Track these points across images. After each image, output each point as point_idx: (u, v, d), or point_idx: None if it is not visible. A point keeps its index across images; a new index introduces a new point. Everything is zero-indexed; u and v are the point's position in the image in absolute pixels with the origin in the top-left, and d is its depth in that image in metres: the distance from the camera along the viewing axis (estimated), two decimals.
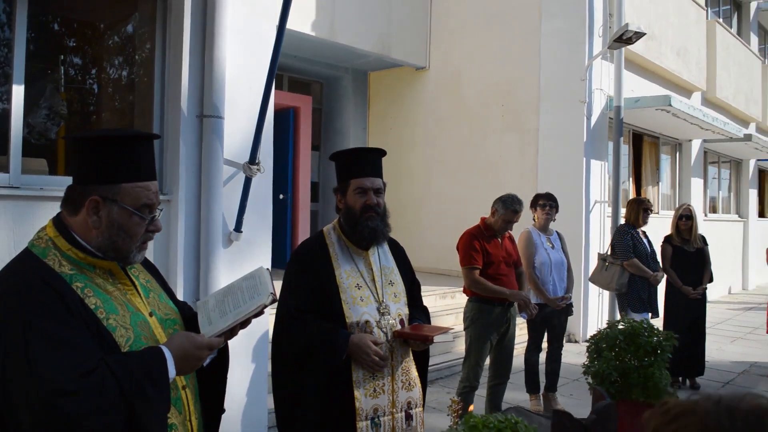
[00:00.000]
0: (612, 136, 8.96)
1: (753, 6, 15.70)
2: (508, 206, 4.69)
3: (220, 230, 4.36)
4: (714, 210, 14.49)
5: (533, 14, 8.98)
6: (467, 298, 4.82)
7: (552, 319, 5.48)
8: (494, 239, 4.77)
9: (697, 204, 12.49)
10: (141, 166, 1.73)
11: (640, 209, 6.42)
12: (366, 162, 2.67)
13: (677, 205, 8.45)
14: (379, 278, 2.68)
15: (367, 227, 2.61)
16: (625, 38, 7.53)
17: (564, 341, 5.79)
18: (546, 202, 5.50)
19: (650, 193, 11.17)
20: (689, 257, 6.56)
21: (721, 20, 12.89)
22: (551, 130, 8.83)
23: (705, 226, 11.27)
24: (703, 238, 6.77)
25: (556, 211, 5.60)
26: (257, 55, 4.43)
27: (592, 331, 8.39)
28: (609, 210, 9.09)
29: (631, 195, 10.22)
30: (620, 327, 2.47)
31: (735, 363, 7.63)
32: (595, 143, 8.86)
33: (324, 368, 2.53)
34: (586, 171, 8.69)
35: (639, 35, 7.46)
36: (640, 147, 10.87)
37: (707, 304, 6.80)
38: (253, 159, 4.36)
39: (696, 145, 12.49)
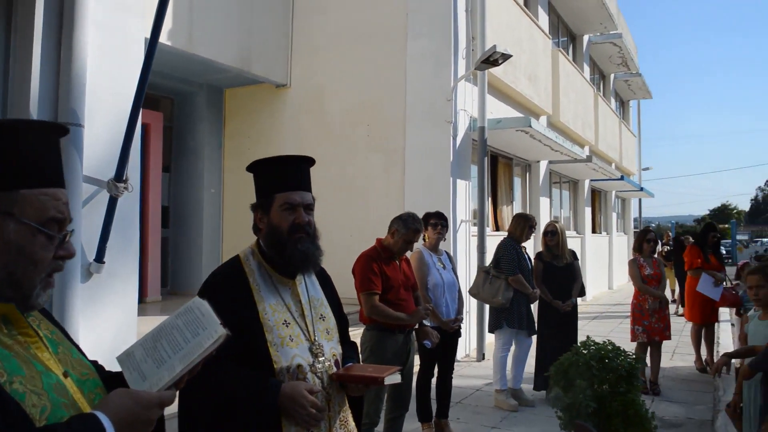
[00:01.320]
0: (476, 156, 9.07)
1: (585, 39, 16.96)
2: (409, 226, 4.41)
3: (78, 261, 3.69)
4: None
5: (399, 33, 8.92)
6: (364, 326, 4.46)
7: (444, 343, 5.26)
8: (392, 262, 4.47)
9: (545, 221, 13.07)
10: (46, 167, 1.23)
11: (526, 225, 6.49)
12: (294, 172, 2.25)
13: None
14: (309, 312, 2.26)
15: (297, 251, 2.18)
16: (492, 59, 7.63)
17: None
18: (437, 221, 5.30)
19: (505, 212, 11.51)
20: (559, 272, 6.70)
21: (561, 50, 13.70)
22: (418, 150, 8.77)
23: None
24: (573, 253, 6.95)
25: (446, 231, 5.43)
26: (124, 54, 3.82)
27: (462, 351, 8.37)
28: (474, 229, 9.18)
29: (489, 214, 10.44)
30: (585, 351, 2.24)
31: None
32: (460, 163, 8.93)
33: (249, 427, 2.06)
34: (453, 191, 8.71)
35: (506, 57, 7.61)
36: (496, 167, 11.17)
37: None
38: (120, 176, 3.75)
39: (543, 166, 13.11)
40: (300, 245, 2.19)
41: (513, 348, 6.51)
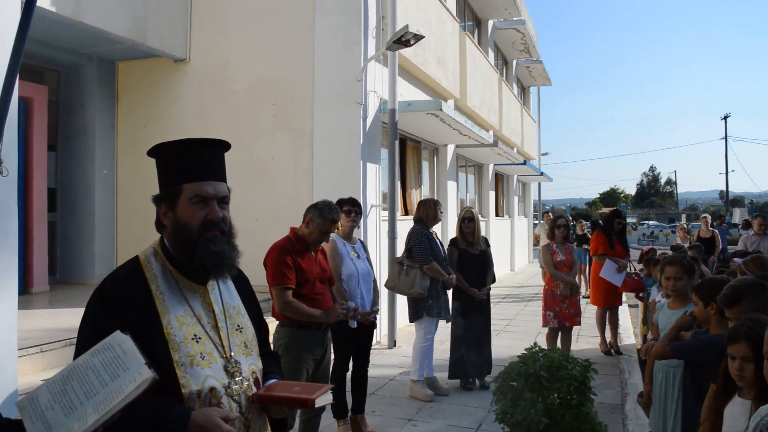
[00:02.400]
0: (387, 140, 8.84)
1: (490, 24, 17.06)
2: (325, 215, 4.08)
3: None
4: None
5: (307, 8, 8.51)
6: (277, 322, 4.12)
7: (359, 335, 5.01)
8: (307, 253, 4.14)
9: (452, 206, 13.11)
10: None
11: (437, 208, 6.33)
12: (206, 159, 1.90)
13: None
14: (224, 324, 1.92)
15: (209, 252, 1.83)
16: (403, 40, 7.38)
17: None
18: (351, 208, 5.01)
19: (414, 196, 11.38)
20: (474, 259, 6.59)
21: (467, 33, 13.66)
22: (327, 132, 8.44)
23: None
24: (486, 240, 6.86)
25: (360, 218, 5.15)
26: None
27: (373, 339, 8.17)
28: (384, 214, 8.97)
29: (398, 198, 10.27)
30: (533, 360, 2.02)
31: (509, 357, 7.85)
32: (370, 146, 8.67)
33: None
34: (363, 174, 8.45)
35: (418, 38, 7.38)
36: (405, 151, 11.00)
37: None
38: None
39: (450, 150, 13.08)
40: (213, 245, 1.84)
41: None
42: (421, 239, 6.17)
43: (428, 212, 6.27)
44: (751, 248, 9.11)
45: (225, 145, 1.96)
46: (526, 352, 2.17)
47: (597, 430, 1.94)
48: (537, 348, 2.15)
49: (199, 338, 1.83)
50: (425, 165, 12.21)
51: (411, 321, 6.35)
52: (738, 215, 36.76)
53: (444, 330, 6.84)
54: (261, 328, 2.13)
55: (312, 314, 3.98)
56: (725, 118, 49.91)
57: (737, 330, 2.62)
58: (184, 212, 1.85)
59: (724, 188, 52.45)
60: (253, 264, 4.02)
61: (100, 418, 1.15)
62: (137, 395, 1.26)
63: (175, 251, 1.88)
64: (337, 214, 4.18)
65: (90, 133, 9.33)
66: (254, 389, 1.92)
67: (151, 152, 1.92)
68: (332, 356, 4.42)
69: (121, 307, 1.77)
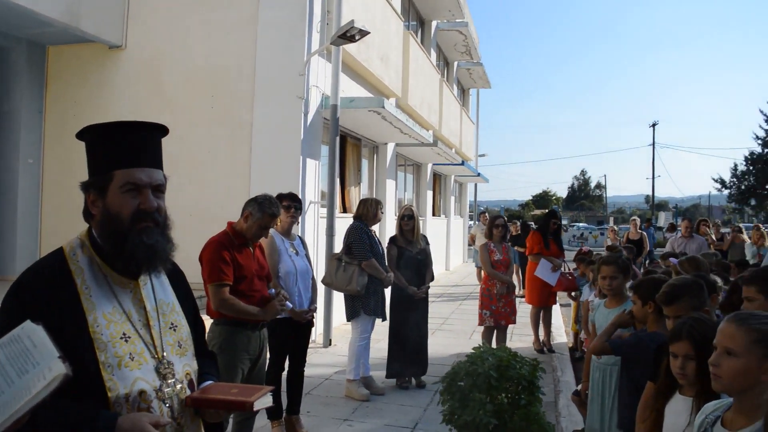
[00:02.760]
0: (328, 136, 8.73)
1: (433, 25, 17.13)
2: (264, 209, 3.96)
3: None
4: None
5: (251, 0, 8.30)
6: (212, 320, 3.97)
7: (296, 333, 4.90)
8: (245, 249, 4.01)
9: (390, 205, 13.10)
10: None
11: (378, 207, 6.28)
12: (141, 143, 1.77)
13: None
14: (156, 322, 1.81)
15: (141, 244, 1.72)
16: (349, 35, 7.29)
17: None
18: (290, 204, 4.90)
19: (353, 193, 11.31)
20: (413, 257, 6.57)
21: (411, 33, 13.67)
22: (266, 126, 8.27)
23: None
24: (425, 238, 6.85)
25: (300, 213, 5.04)
26: None
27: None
28: (323, 211, 8.86)
29: (337, 195, 10.17)
30: (482, 358, 1.98)
31: (444, 356, 7.92)
32: (311, 142, 8.55)
33: None
34: (302, 170, 8.32)
35: (363, 33, 7.31)
36: (344, 148, 10.90)
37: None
38: None
39: (390, 149, 13.06)
40: (146, 237, 1.73)
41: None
42: (360, 236, 6.11)
43: (369, 210, 6.21)
44: (678, 250, 9.43)
45: (162, 130, 1.84)
46: (474, 350, 2.12)
47: (546, 429, 1.92)
48: (485, 347, 2.10)
49: (129, 337, 1.72)
50: (365, 163, 12.15)
51: (348, 319, 6.27)
52: (663, 219, 38.16)
53: (380, 328, 6.80)
54: (197, 327, 2.02)
55: (249, 312, 3.86)
56: (653, 125, 51.77)
57: (679, 329, 2.65)
58: (115, 201, 1.73)
59: (651, 193, 54.44)
60: (184, 260, 3.85)
61: (5, 422, 1.02)
62: (49, 394, 1.14)
63: (103, 243, 1.76)
64: (278, 209, 4.07)
65: (15, 120, 8.85)
66: (188, 392, 1.81)
67: (81, 135, 1.79)
68: (268, 355, 4.30)
69: (40, 302, 1.64)
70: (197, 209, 8.14)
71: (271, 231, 4.78)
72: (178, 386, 1.78)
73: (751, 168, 39.27)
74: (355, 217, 6.35)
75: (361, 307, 6.08)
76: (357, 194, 11.45)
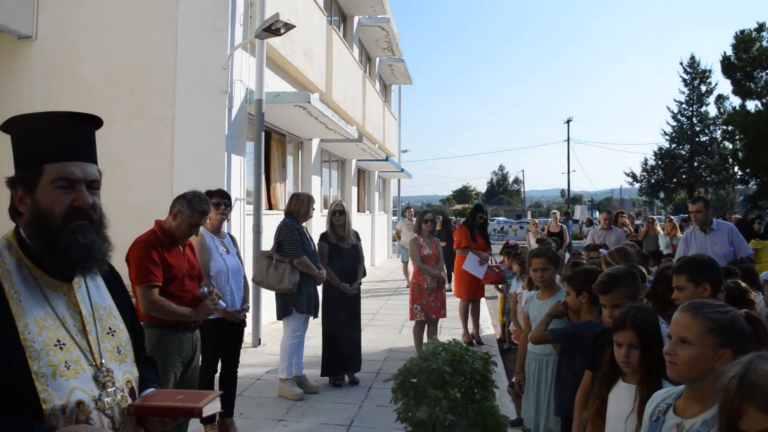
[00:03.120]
0: (253, 131, 8.55)
1: (355, 20, 17.08)
2: (194, 206, 3.80)
3: None
4: (326, 206, 15.31)
5: None
6: (142, 323, 3.78)
7: (228, 334, 4.76)
8: (175, 248, 3.84)
9: (317, 201, 12.97)
10: None
11: (310, 203, 6.17)
12: (74, 136, 1.65)
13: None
14: (93, 326, 1.68)
15: (75, 244, 1.60)
16: (274, 28, 7.14)
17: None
18: (220, 200, 4.75)
19: (279, 190, 11.14)
20: (345, 254, 6.52)
21: (334, 28, 13.57)
22: (189, 121, 8.01)
23: (321, 222, 11.77)
24: (357, 234, 6.81)
25: (230, 210, 4.90)
26: None
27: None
28: (249, 208, 8.68)
29: (263, 192, 9.99)
30: (435, 354, 1.95)
31: (375, 351, 7.91)
32: (235, 138, 8.35)
33: None
34: (228, 167, 8.12)
35: (289, 27, 7.18)
36: (269, 144, 10.72)
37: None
38: None
39: (315, 144, 12.94)
40: (80, 236, 1.61)
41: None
42: (291, 233, 6.00)
43: (301, 207, 6.10)
44: (598, 241, 9.73)
45: (96, 122, 1.72)
46: (425, 346, 2.09)
47: (501, 423, 1.92)
48: (436, 342, 2.08)
49: (64, 344, 1.59)
50: (290, 159, 11.99)
51: (279, 318, 6.15)
52: (579, 212, 39.52)
53: (312, 326, 6.71)
54: (135, 331, 1.91)
55: (181, 313, 3.71)
56: (568, 122, 53.56)
57: (623, 318, 2.71)
58: (46, 197, 1.59)
59: (566, 187, 56.34)
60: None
61: None
62: None
63: (33, 243, 1.62)
64: (208, 206, 3.92)
65: None
66: (129, 401, 1.70)
67: (6, 127, 1.64)
68: (200, 360, 4.14)
69: None
70: (117, 209, 7.73)
71: (201, 229, 4.61)
72: (119, 395, 1.67)
73: (659, 163, 41.25)
74: (286, 214, 6.23)
75: (293, 305, 5.97)
76: (283, 191, 11.28)
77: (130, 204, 7.81)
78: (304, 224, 6.26)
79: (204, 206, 3.84)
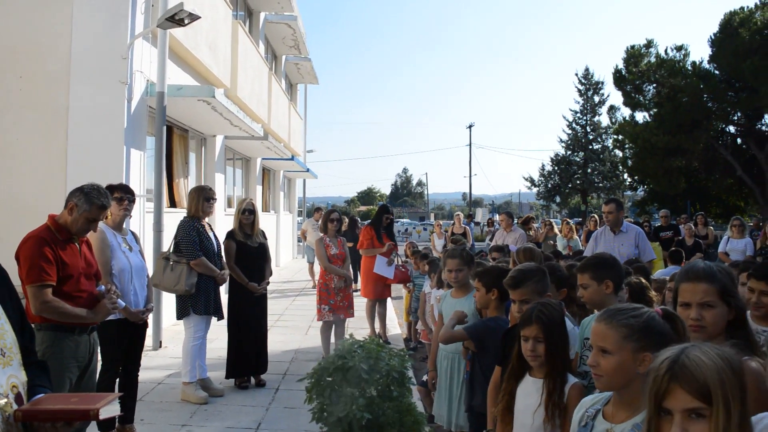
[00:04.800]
0: (154, 125, 8.20)
1: (262, 16, 16.77)
2: (92, 200, 3.55)
3: None
4: (230, 205, 14.93)
5: None
6: (33, 325, 3.51)
7: (130, 336, 4.51)
8: (70, 245, 3.58)
9: (219, 199, 12.64)
10: None
11: (201, 198, 5.91)
12: None
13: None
14: None
15: None
16: (177, 18, 6.87)
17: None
18: (123, 195, 4.51)
19: (181, 187, 10.75)
20: (253, 252, 6.36)
21: (240, 22, 13.26)
22: (85, 112, 7.56)
23: (226, 221, 11.48)
24: (264, 233, 6.66)
25: (133, 206, 4.65)
26: None
27: None
28: (150, 205, 8.32)
29: (165, 189, 9.61)
30: (352, 351, 1.89)
31: (282, 353, 7.77)
32: (135, 131, 7.97)
33: None
34: (127, 162, 7.74)
35: (193, 17, 6.91)
36: (171, 139, 10.33)
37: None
38: None
39: (219, 141, 12.59)
40: None
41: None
42: (189, 232, 5.77)
43: (193, 203, 5.87)
44: (501, 242, 10.00)
45: None
46: (341, 344, 2.03)
47: (419, 421, 1.89)
48: (352, 340, 2.02)
49: None
50: (193, 156, 11.60)
51: (178, 318, 5.90)
52: (480, 215, 40.67)
53: (216, 327, 6.51)
54: (24, 333, 1.75)
55: (77, 314, 3.46)
56: (470, 127, 54.98)
57: (529, 314, 2.77)
58: None
59: (468, 190, 57.79)
60: None
61: None
62: None
63: None
64: (107, 200, 3.67)
65: None
66: (15, 407, 1.55)
67: None
68: (98, 364, 3.90)
69: None
70: (4, 204, 7.29)
71: (102, 225, 4.35)
72: (2, 401, 1.51)
73: (556, 168, 43.02)
74: (187, 213, 5.99)
75: (191, 307, 5.74)
76: (185, 188, 10.89)
77: (20, 198, 7.33)
78: (207, 223, 6.04)
79: (103, 200, 3.61)
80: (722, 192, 31.84)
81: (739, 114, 27.02)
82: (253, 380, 6.37)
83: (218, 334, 6.98)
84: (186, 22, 7.05)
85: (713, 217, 30.80)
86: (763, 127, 27.41)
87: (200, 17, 7.17)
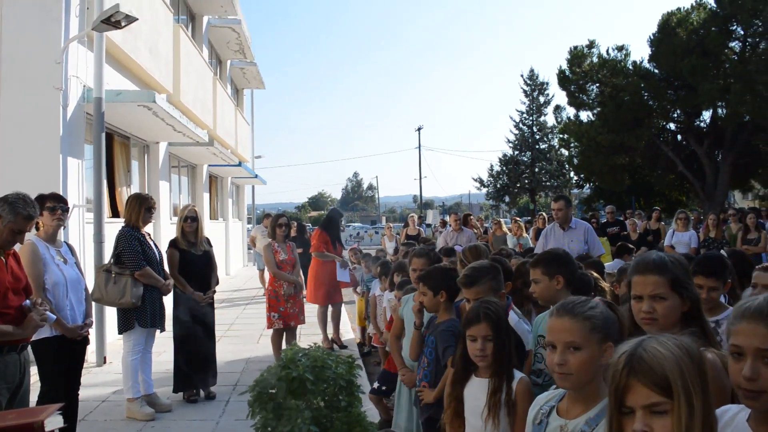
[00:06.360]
0: (92, 132, 7.89)
1: (205, 20, 16.44)
2: (18, 210, 3.33)
3: None
4: (176, 213, 14.57)
5: None
6: None
7: (70, 353, 4.28)
8: None
9: (165, 208, 12.34)
10: None
11: (141, 207, 5.69)
12: None
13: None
14: None
15: None
16: (114, 20, 6.62)
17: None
18: (55, 204, 4.27)
19: (123, 196, 10.41)
20: (197, 261, 6.16)
21: (182, 26, 12.97)
22: (16, 119, 7.27)
23: (171, 230, 11.19)
24: (208, 240, 6.46)
25: (68, 216, 4.42)
26: None
27: None
28: (90, 216, 8.02)
29: (105, 198, 9.28)
30: (298, 359, 1.78)
31: (231, 362, 7.58)
32: (72, 139, 7.67)
33: None
34: (63, 170, 7.44)
35: (131, 19, 6.67)
36: (112, 147, 9.99)
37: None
38: None
39: (163, 148, 12.27)
40: None
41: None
42: (130, 242, 5.53)
43: (132, 212, 5.63)
44: (450, 243, 9.99)
45: None
46: (284, 353, 1.91)
47: (368, 430, 1.79)
48: (296, 348, 1.91)
49: None
50: (135, 164, 11.27)
51: (120, 332, 5.65)
52: (431, 216, 40.80)
53: (162, 340, 6.29)
54: None
55: (5, 331, 3.24)
56: (419, 129, 55.33)
57: (476, 312, 2.71)
58: None
59: (418, 193, 58.09)
60: None
61: None
62: None
63: None
64: (35, 210, 3.45)
65: None
66: None
67: None
68: (30, 385, 3.66)
69: None
70: None
71: (32, 237, 4.12)
72: None
73: (504, 168, 43.53)
74: (125, 222, 5.75)
75: (135, 319, 5.50)
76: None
77: None
78: (146, 232, 5.82)
79: (30, 210, 3.38)
80: (665, 187, 32.67)
81: (678, 111, 27.77)
82: (202, 393, 6.16)
83: (165, 346, 6.74)
84: (123, 24, 6.80)
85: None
86: (702, 124, 28.26)
87: (137, 19, 6.93)
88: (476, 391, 2.72)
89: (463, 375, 2.81)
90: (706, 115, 27.75)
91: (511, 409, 2.57)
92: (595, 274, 3.70)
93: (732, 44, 25.20)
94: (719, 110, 26.18)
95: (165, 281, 5.70)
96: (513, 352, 2.75)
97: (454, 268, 3.86)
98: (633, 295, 2.24)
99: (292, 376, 1.73)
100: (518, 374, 2.71)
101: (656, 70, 27.32)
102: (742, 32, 24.84)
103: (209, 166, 17.06)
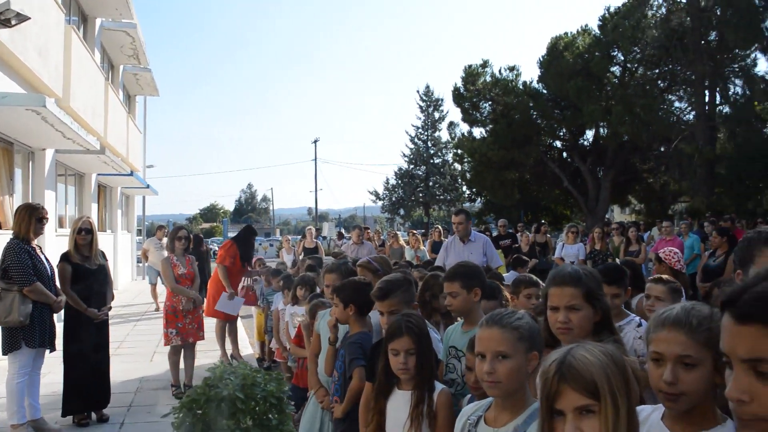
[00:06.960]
0: None
1: (98, 23, 15.73)
2: None
3: None
4: (62, 225, 13.80)
5: None
6: None
7: None
8: None
9: (50, 219, 11.65)
10: None
11: (32, 218, 5.37)
12: None
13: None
14: None
15: None
16: (3, 18, 6.23)
17: None
18: None
19: (6, 206, 9.77)
20: (91, 275, 5.86)
21: (74, 28, 12.35)
22: None
23: (57, 242, 10.61)
24: (104, 254, 6.18)
25: None
26: None
27: None
28: None
29: None
30: (226, 377, 1.74)
31: (125, 382, 7.25)
32: None
33: None
34: None
35: (22, 18, 6.32)
36: None
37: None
38: None
39: (49, 156, 11.61)
40: None
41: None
42: (19, 256, 5.20)
43: (22, 223, 5.32)
44: (352, 255, 10.05)
45: None
46: (210, 371, 1.87)
47: None
48: (223, 366, 1.87)
49: None
50: (18, 172, 10.59)
51: (4, 353, 5.28)
52: (327, 229, 40.78)
53: (50, 360, 5.92)
54: None
55: None
56: (315, 141, 55.25)
57: (398, 326, 2.75)
58: None
59: (314, 205, 57.89)
60: None
61: None
62: None
63: None
64: None
65: None
66: None
67: None
68: None
69: None
70: None
71: None
72: None
73: (399, 182, 44.23)
74: (14, 234, 5.40)
75: (22, 339, 5.16)
76: (11, 207, 9.90)
77: None
78: (37, 245, 5.49)
79: None
80: (551, 202, 34.39)
81: (564, 130, 29.36)
82: (94, 416, 5.85)
83: (51, 367, 6.36)
84: (13, 23, 6.43)
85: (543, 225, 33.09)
86: (585, 143, 29.97)
87: (29, 18, 6.58)
88: (399, 404, 2.76)
89: (385, 388, 2.83)
90: (590, 134, 29.51)
91: (432, 420, 2.63)
92: (500, 284, 3.85)
93: (613, 68, 26.99)
94: (601, 130, 27.95)
95: (56, 298, 5.40)
96: (434, 364, 2.81)
97: (368, 282, 3.89)
98: (549, 306, 2.37)
99: (222, 396, 1.70)
100: (439, 386, 2.78)
101: (545, 90, 28.76)
102: (622, 58, 26.65)
103: (98, 175, 16.29)
